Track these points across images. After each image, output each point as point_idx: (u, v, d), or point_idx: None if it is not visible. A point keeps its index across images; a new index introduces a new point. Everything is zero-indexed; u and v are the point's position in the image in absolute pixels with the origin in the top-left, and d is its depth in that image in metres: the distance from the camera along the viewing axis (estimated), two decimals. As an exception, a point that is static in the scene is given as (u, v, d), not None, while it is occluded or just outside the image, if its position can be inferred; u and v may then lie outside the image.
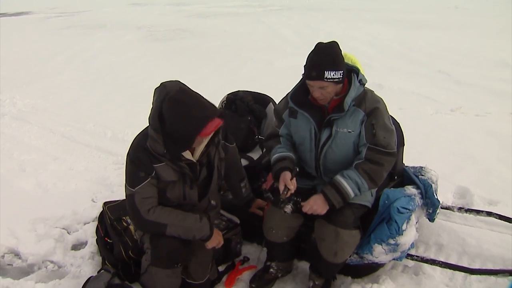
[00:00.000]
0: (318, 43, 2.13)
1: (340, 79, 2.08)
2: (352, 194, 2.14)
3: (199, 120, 1.85)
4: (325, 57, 2.07)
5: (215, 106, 1.95)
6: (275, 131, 2.45)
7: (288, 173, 2.21)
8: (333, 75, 2.04)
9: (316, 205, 2.15)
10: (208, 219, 2.11)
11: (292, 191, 2.17)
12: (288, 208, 2.19)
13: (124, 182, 2.06)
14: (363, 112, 2.16)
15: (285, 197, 2.17)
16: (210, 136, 1.98)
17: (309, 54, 2.12)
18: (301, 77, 2.24)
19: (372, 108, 2.16)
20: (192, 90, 1.95)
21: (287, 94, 2.38)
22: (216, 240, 2.17)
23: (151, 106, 2.01)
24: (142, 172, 1.98)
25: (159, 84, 2.03)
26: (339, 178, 2.16)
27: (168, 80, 2.08)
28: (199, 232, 2.07)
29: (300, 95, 2.28)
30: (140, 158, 1.98)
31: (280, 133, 2.42)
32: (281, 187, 2.18)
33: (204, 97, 1.95)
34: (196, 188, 2.12)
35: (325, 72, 2.03)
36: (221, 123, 1.92)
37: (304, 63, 2.13)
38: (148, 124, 2.00)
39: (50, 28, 14.53)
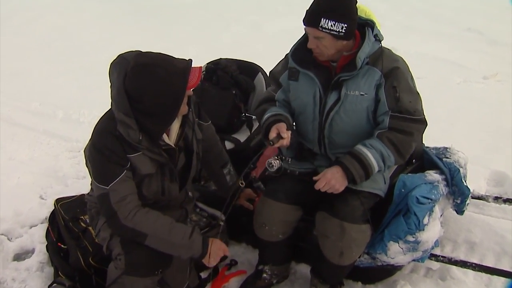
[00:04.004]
0: None
1: (341, 33, 2.08)
2: (376, 167, 2.15)
3: (179, 72, 1.87)
4: (326, 2, 2.08)
5: (182, 58, 1.96)
6: (270, 95, 2.47)
7: (283, 124, 2.21)
8: (331, 25, 2.05)
9: (334, 179, 2.13)
10: (199, 233, 2.09)
11: (285, 143, 2.15)
12: (276, 162, 2.16)
13: (91, 179, 2.05)
14: (380, 72, 2.17)
15: (275, 146, 2.14)
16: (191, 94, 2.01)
17: None
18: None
19: (391, 68, 2.18)
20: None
21: (286, 54, 2.40)
22: (216, 255, 2.12)
23: (110, 84, 1.99)
24: (115, 165, 1.97)
25: (115, 57, 2.01)
26: (360, 147, 2.17)
27: (127, 50, 2.06)
28: (186, 251, 2.06)
29: (302, 52, 2.29)
30: (111, 147, 1.96)
31: (276, 98, 2.43)
32: (273, 134, 2.16)
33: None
34: (177, 181, 2.15)
35: (321, 19, 2.04)
36: (201, 68, 1.96)
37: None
38: (110, 106, 2.00)
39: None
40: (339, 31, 2.07)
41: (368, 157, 2.13)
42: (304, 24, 2.13)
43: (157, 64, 1.86)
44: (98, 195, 2.01)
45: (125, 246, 2.08)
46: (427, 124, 2.25)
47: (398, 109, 2.16)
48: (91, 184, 2.15)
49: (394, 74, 2.17)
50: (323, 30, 2.06)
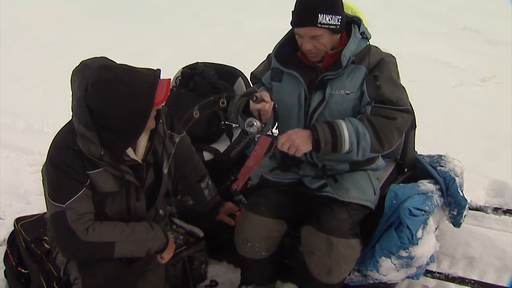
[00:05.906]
0: None
1: (338, 26, 2.13)
2: (347, 138, 2.09)
3: (146, 88, 1.87)
4: None
5: (149, 68, 1.96)
6: (252, 89, 2.47)
7: (267, 92, 2.15)
8: (329, 19, 2.09)
9: (295, 134, 2.08)
10: (153, 222, 2.18)
11: (267, 107, 2.08)
12: (257, 122, 2.07)
13: (46, 197, 2.03)
14: (365, 69, 2.21)
15: (255, 107, 2.08)
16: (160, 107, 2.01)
17: None
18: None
19: (376, 61, 2.22)
20: (116, 63, 1.95)
21: (268, 55, 2.43)
22: (172, 248, 2.24)
23: (72, 93, 1.99)
24: (73, 181, 1.96)
25: (78, 64, 2.02)
26: (337, 119, 2.15)
27: (91, 56, 2.06)
28: (153, 243, 2.11)
29: (286, 51, 2.33)
30: (69, 162, 1.95)
31: (258, 91, 2.41)
32: (257, 95, 2.09)
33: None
34: (144, 199, 2.16)
35: (319, 15, 2.07)
36: (170, 81, 1.96)
37: (292, 9, 2.16)
38: (71, 117, 2.00)
39: None
40: (336, 24, 2.11)
41: (341, 126, 2.09)
42: (298, 26, 2.16)
43: (121, 79, 1.85)
44: (52, 213, 1.98)
45: (81, 269, 2.06)
46: (413, 115, 2.25)
47: (380, 99, 2.17)
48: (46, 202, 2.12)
49: (377, 66, 2.22)
50: (323, 26, 2.09)
